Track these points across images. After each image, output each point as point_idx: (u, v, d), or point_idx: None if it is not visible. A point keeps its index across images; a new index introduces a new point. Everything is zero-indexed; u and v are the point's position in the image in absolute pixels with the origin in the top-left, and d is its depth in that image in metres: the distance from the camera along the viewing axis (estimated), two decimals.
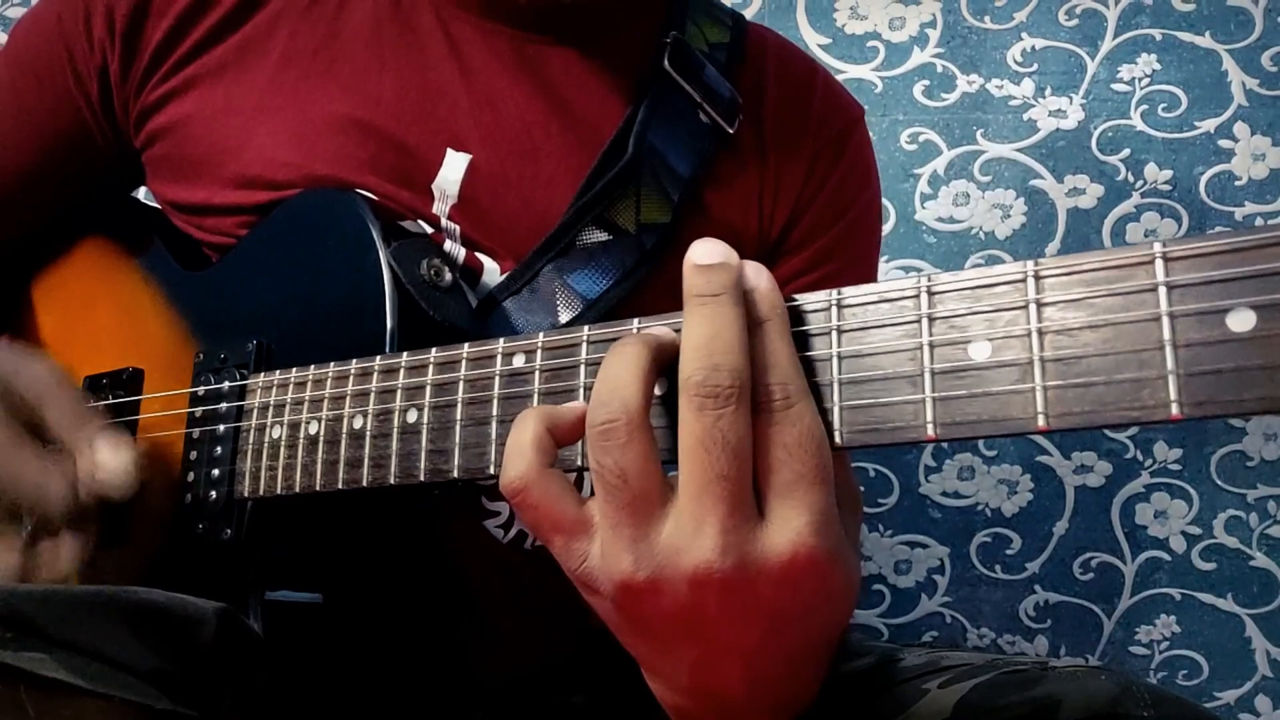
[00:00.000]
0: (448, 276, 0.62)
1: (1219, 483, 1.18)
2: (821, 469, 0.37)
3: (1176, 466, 1.19)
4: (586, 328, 0.45)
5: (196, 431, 0.62)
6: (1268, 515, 1.17)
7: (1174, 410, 0.31)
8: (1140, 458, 1.20)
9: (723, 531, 0.37)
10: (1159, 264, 0.31)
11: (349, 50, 0.71)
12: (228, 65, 0.71)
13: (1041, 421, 0.34)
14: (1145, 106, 1.21)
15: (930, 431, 0.36)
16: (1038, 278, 0.34)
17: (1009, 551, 1.22)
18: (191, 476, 0.62)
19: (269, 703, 0.53)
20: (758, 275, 0.39)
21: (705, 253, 0.39)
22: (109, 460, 0.57)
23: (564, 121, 0.71)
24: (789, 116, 0.77)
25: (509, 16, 0.71)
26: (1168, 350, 0.31)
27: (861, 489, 1.24)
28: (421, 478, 0.49)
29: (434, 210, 0.68)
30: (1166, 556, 1.19)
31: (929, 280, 0.37)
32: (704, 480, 0.37)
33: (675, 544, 0.38)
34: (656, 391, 0.42)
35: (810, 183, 0.76)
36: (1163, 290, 0.31)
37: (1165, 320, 0.31)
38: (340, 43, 0.71)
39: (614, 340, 0.44)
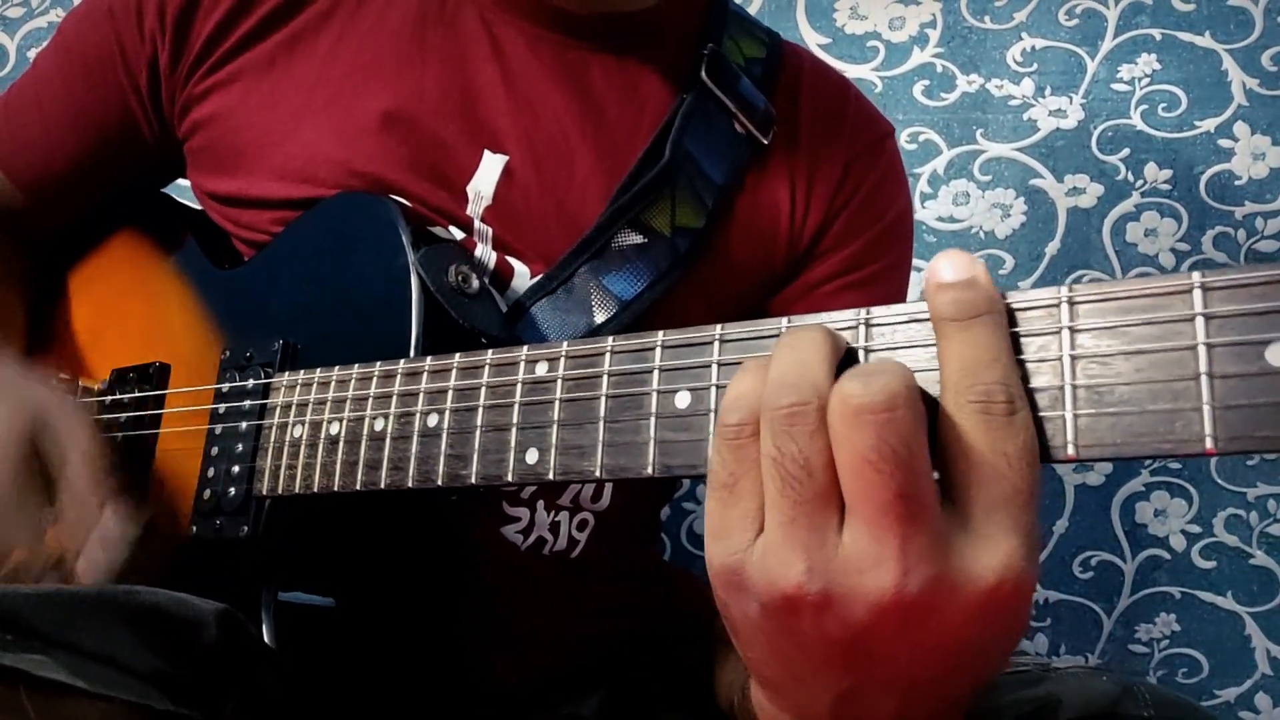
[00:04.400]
0: (475, 283, 0.62)
1: (1219, 481, 1.18)
2: (1037, 485, 0.34)
3: (1176, 465, 1.19)
4: (610, 339, 0.45)
5: (218, 428, 0.63)
6: (1268, 513, 1.17)
7: (1208, 444, 0.30)
8: (1155, 459, 1.20)
9: (912, 552, 0.33)
10: (1197, 294, 0.31)
11: (394, 47, 0.71)
12: (275, 59, 0.72)
13: (1071, 450, 0.33)
14: (1145, 106, 1.21)
15: None
16: (1071, 303, 0.34)
17: None
18: (211, 472, 0.62)
19: (275, 706, 0.53)
20: (972, 267, 0.35)
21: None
22: (86, 570, 0.57)
23: (599, 128, 0.72)
24: (823, 129, 0.77)
25: (553, 22, 0.72)
26: (1203, 382, 0.30)
27: None
28: (439, 482, 0.50)
29: (468, 212, 0.69)
30: (1166, 555, 1.19)
31: None
32: (884, 499, 0.33)
33: (857, 558, 0.34)
34: (681, 404, 0.42)
35: (843, 190, 0.76)
36: (1200, 321, 0.31)
37: (1202, 351, 0.31)
38: (385, 40, 0.72)
39: (637, 351, 0.44)
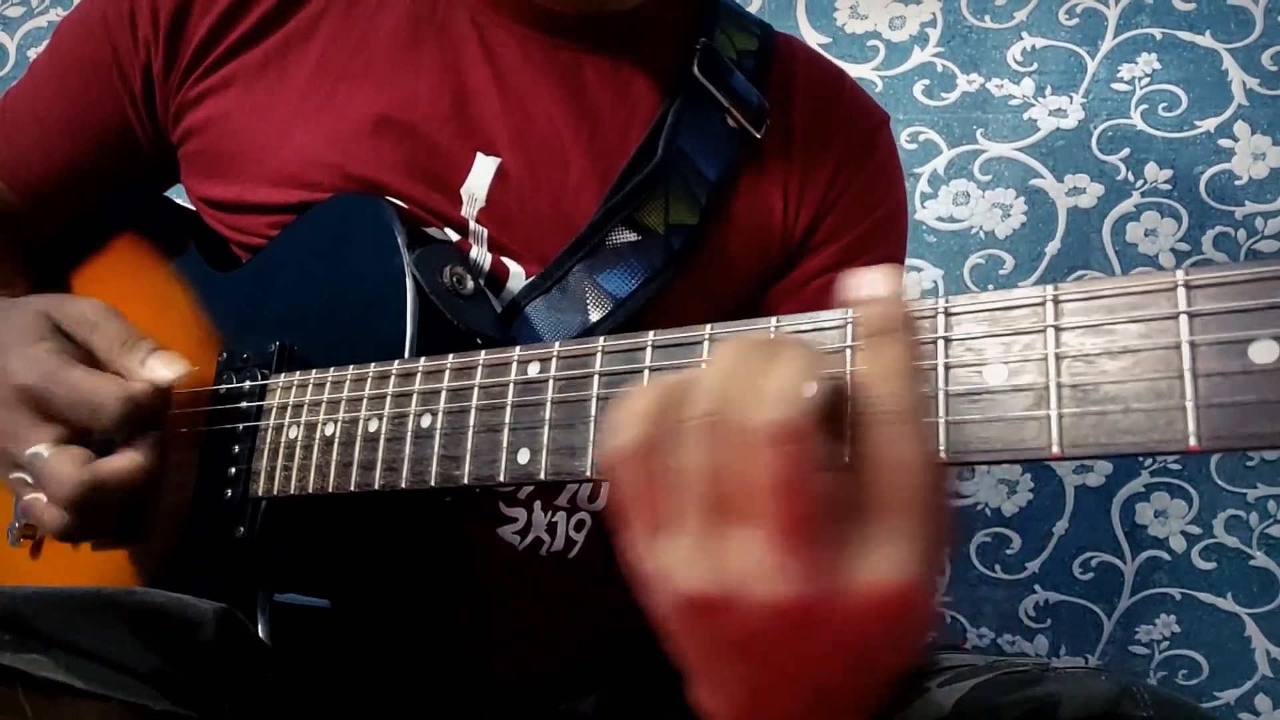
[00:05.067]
0: (469, 284, 0.63)
1: (1219, 482, 1.18)
2: (936, 493, 0.35)
3: (1176, 466, 1.19)
4: (602, 339, 0.45)
5: (215, 429, 0.63)
6: (1268, 515, 1.16)
7: (1192, 442, 0.30)
8: (1140, 457, 1.20)
9: (808, 564, 0.34)
10: (1181, 292, 0.31)
11: (386, 51, 0.71)
12: (268, 64, 0.72)
13: (1056, 449, 0.33)
14: (1145, 106, 1.21)
15: (941, 455, 0.36)
16: (1057, 302, 0.34)
17: (1009, 551, 1.22)
18: (207, 474, 0.63)
19: (274, 706, 0.53)
20: (872, 285, 0.36)
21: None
22: (162, 373, 0.61)
23: (593, 128, 0.72)
24: (816, 121, 0.77)
25: (544, 23, 0.72)
26: (1187, 380, 0.31)
27: None
28: (432, 482, 0.50)
29: (463, 214, 0.69)
30: (1166, 556, 1.19)
31: (946, 302, 0.37)
32: (783, 519, 0.34)
33: (755, 568, 0.35)
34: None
35: (837, 182, 0.76)
36: (1184, 319, 0.31)
37: (1186, 349, 0.31)
38: (377, 44, 0.72)
39: (628, 351, 0.44)
